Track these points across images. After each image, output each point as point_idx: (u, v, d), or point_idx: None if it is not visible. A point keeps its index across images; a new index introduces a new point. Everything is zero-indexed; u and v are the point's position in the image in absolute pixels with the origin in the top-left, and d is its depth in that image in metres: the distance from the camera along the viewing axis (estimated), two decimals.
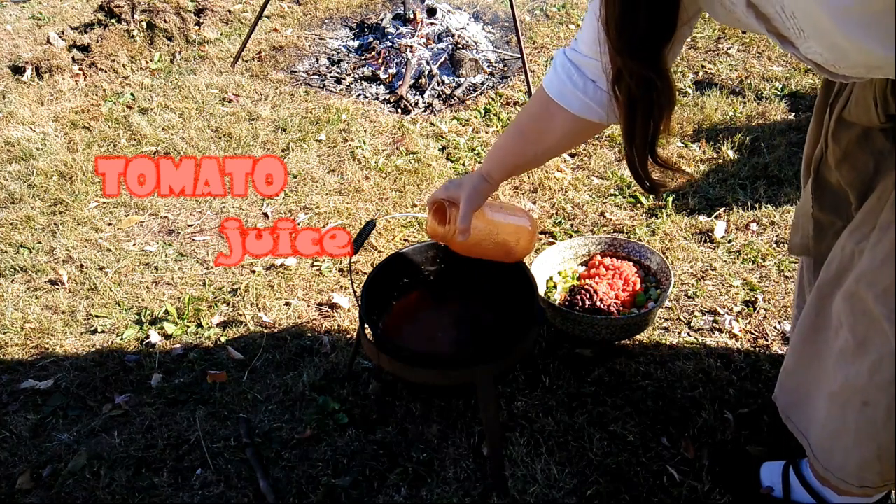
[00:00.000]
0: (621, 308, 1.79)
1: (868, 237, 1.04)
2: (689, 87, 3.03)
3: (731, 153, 2.56)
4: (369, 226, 1.57)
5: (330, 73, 3.35)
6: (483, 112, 2.97)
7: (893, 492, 1.37)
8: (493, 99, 3.06)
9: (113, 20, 3.60)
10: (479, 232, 1.44)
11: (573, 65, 1.13)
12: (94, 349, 1.95)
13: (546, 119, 1.20)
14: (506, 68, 3.33)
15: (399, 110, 3.03)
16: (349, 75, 3.31)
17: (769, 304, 1.94)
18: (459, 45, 3.38)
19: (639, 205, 2.37)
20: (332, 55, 3.51)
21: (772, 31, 0.85)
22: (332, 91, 3.20)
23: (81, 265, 2.26)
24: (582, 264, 1.99)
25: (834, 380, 1.14)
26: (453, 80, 3.21)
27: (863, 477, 1.19)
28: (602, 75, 1.07)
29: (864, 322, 1.06)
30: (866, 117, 1.04)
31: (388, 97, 3.12)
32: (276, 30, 3.76)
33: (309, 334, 1.96)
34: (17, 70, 3.38)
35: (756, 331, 1.87)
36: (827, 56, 0.83)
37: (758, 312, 1.92)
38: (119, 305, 2.09)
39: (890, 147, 1.06)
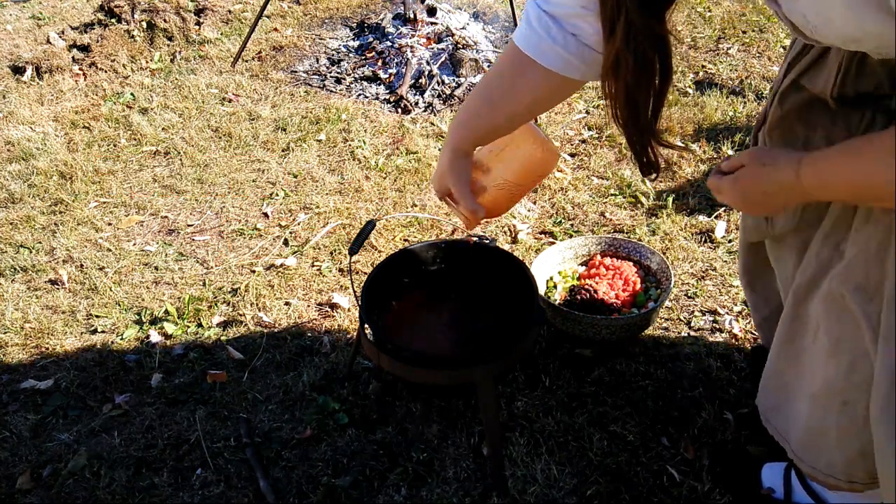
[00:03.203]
0: (621, 308, 1.79)
1: (847, 238, 1.04)
2: (689, 87, 3.03)
3: (731, 153, 2.56)
4: (369, 226, 1.57)
5: (330, 72, 3.35)
6: None
7: None
8: None
9: (113, 20, 3.60)
10: (496, 195, 1.32)
11: (550, 17, 1.00)
12: (94, 349, 1.95)
13: (517, 79, 1.09)
14: None
15: (399, 110, 3.03)
16: (349, 75, 3.31)
17: None
18: (459, 45, 3.38)
19: (639, 205, 2.37)
20: (332, 55, 3.51)
21: None
22: (332, 91, 3.20)
23: (81, 265, 2.26)
24: (582, 264, 1.99)
25: (814, 382, 1.14)
26: (453, 80, 3.20)
27: (850, 473, 1.19)
28: (584, 26, 1.00)
29: (838, 322, 1.05)
30: (822, 85, 1.01)
31: (388, 97, 3.12)
32: (276, 30, 3.76)
33: (309, 334, 1.95)
34: (18, 70, 3.38)
35: (756, 331, 1.87)
36: (812, 20, 0.79)
37: None
38: (119, 305, 2.09)
39: (825, 122, 1.03)
